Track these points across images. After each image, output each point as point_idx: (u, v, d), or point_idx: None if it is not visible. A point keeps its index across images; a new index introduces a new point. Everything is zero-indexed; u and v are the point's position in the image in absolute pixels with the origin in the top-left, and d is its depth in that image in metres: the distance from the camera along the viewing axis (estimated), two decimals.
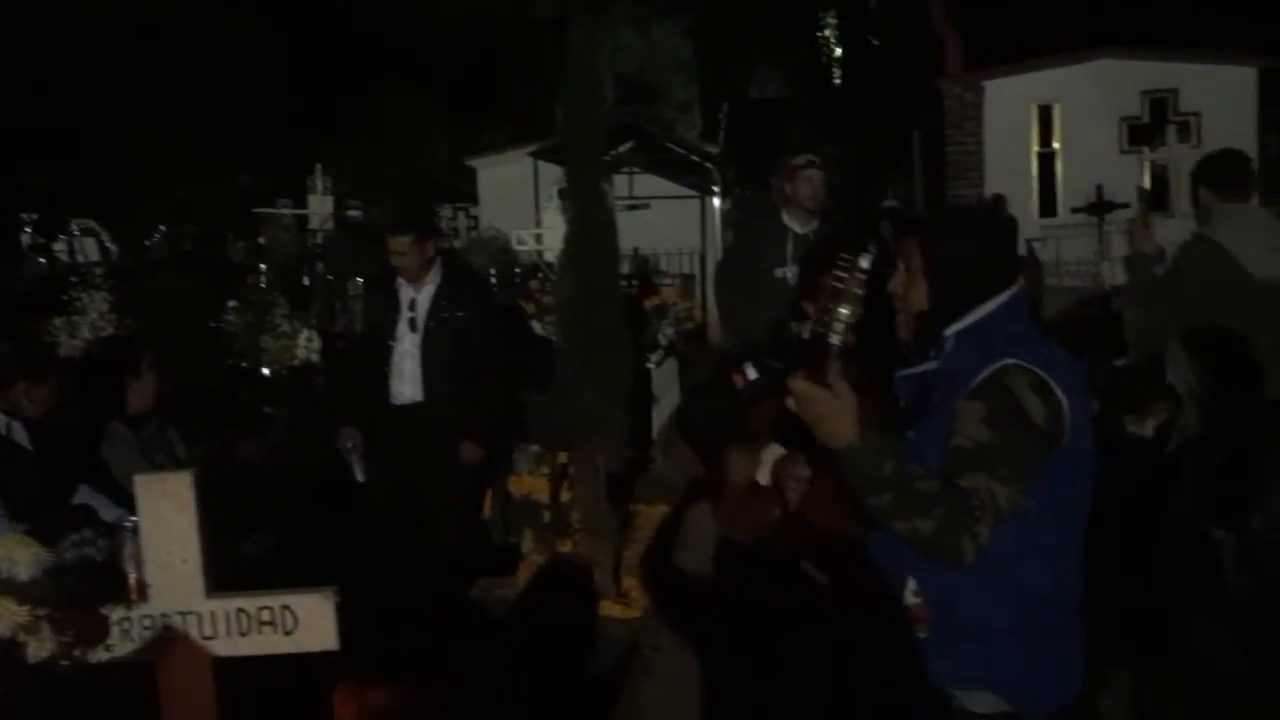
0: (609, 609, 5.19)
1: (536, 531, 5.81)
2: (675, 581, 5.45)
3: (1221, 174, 4.46)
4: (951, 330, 2.26)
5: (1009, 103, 12.61)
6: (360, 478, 4.98)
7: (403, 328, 5.12)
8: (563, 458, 5.83)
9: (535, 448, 5.95)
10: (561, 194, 5.31)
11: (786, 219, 5.28)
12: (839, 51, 22.41)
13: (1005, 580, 2.12)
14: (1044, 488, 2.12)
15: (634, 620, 5.12)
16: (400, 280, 5.15)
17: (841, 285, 2.15)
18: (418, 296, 5.14)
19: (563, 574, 5.46)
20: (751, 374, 2.53)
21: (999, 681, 2.19)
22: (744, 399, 2.84)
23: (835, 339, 2.11)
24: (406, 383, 5.11)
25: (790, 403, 2.14)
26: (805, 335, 2.18)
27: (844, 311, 2.11)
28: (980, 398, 2.13)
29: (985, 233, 2.35)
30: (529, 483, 5.88)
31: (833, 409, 2.08)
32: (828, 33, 22.42)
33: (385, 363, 5.12)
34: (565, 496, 5.87)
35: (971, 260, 2.28)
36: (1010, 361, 2.15)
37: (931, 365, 2.30)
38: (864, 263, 2.15)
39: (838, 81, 22.28)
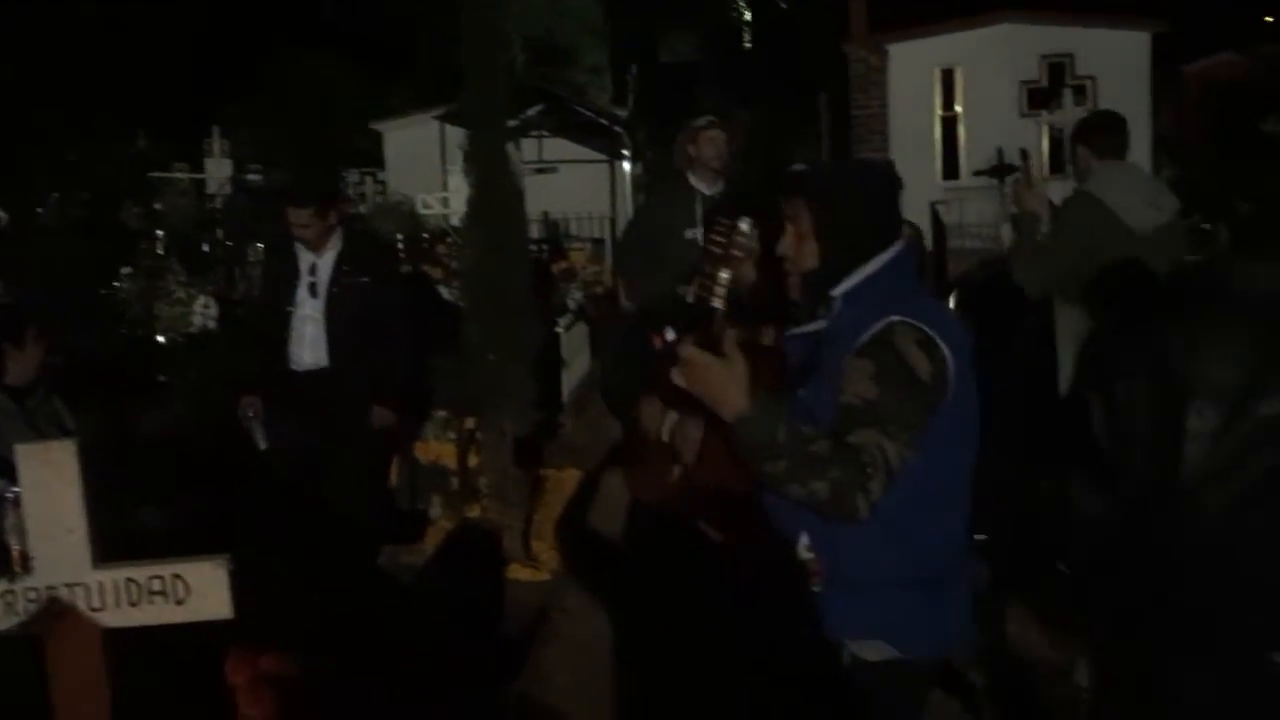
0: (518, 573, 5.21)
1: (444, 498, 5.80)
2: (586, 544, 5.49)
3: (1098, 133, 4.62)
4: (839, 290, 2.28)
5: (912, 67, 12.74)
6: (261, 445, 4.90)
7: (303, 293, 5.03)
8: (470, 423, 5.81)
9: (443, 413, 5.92)
10: (467, 158, 5.23)
11: (694, 181, 5.32)
12: (748, 15, 22.43)
13: (893, 532, 2.16)
14: (929, 442, 2.15)
15: (543, 584, 5.15)
16: (300, 245, 5.07)
17: (720, 250, 2.15)
18: (319, 261, 5.05)
19: (471, 539, 5.46)
20: (670, 336, 2.54)
21: (889, 630, 2.24)
22: (663, 361, 2.85)
23: (717, 303, 2.11)
24: (307, 348, 5.03)
25: (675, 374, 2.14)
26: (690, 300, 2.19)
27: (724, 275, 2.12)
28: (868, 355, 2.16)
29: (871, 191, 2.37)
30: (436, 449, 5.85)
31: (723, 378, 2.08)
32: None
33: (285, 329, 5.04)
34: (473, 462, 5.86)
35: (858, 219, 2.30)
36: (896, 319, 2.18)
37: (820, 325, 2.31)
38: (744, 226, 2.16)
39: (747, 45, 22.31)
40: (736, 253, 2.13)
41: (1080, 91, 12.05)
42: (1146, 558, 2.20)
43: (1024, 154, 4.78)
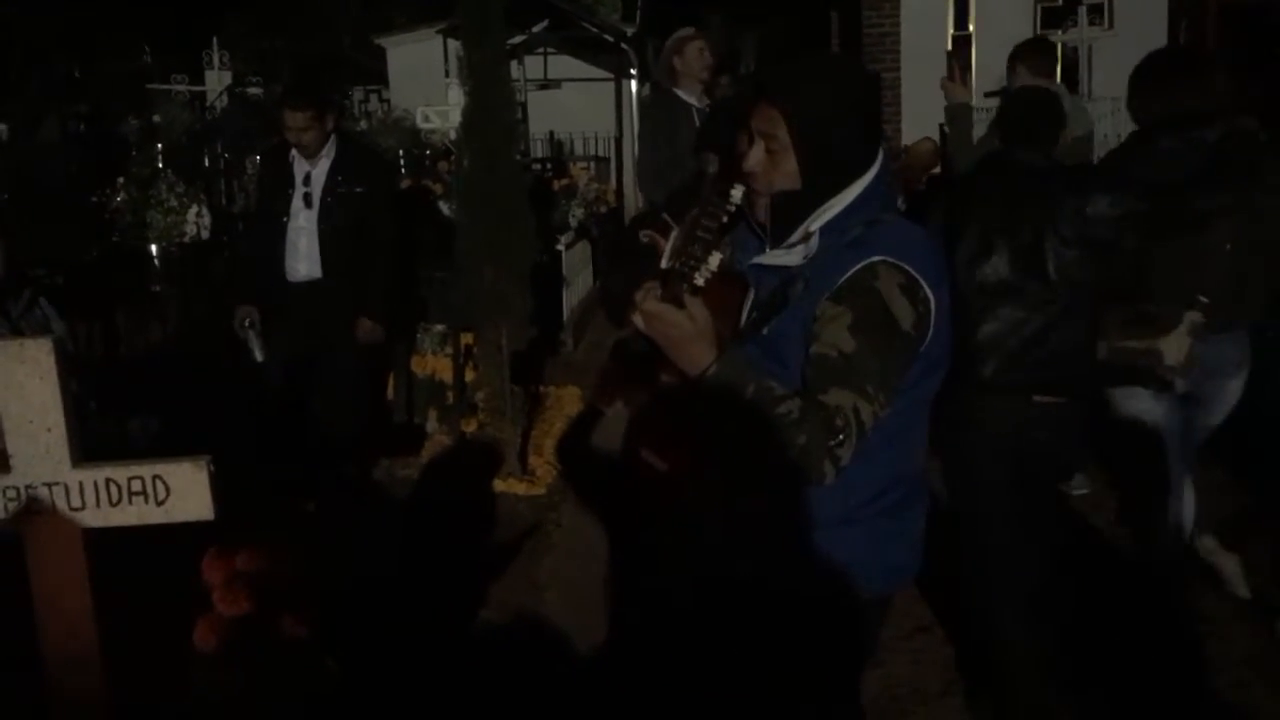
0: (514, 487, 5.21)
1: (441, 412, 5.78)
2: (583, 461, 5.50)
3: (1035, 54, 5.49)
4: (818, 224, 2.05)
5: None
6: (259, 357, 4.87)
7: (297, 203, 4.98)
8: (467, 338, 5.78)
9: (439, 328, 5.88)
10: (463, 69, 5.14)
11: (683, 95, 5.36)
12: None
13: (850, 470, 1.99)
14: (903, 385, 2.02)
15: (538, 498, 5.16)
16: (294, 154, 5.00)
17: (710, 235, 1.96)
18: (313, 171, 5.00)
19: (467, 454, 5.46)
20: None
21: (845, 566, 2.13)
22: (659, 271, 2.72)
23: (700, 281, 1.93)
24: (302, 259, 4.99)
25: (638, 320, 1.97)
26: (664, 265, 2.01)
27: (715, 259, 1.93)
28: (846, 302, 1.96)
29: (859, 99, 2.08)
30: (433, 363, 5.83)
31: (688, 333, 1.92)
32: None
33: (280, 239, 4.99)
34: (470, 377, 5.84)
35: (847, 134, 2.04)
36: (878, 259, 1.97)
37: (791, 255, 2.09)
38: (736, 196, 2.00)
39: None
40: (725, 221, 1.97)
41: (1097, 10, 11.80)
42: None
43: (950, 53, 5.02)
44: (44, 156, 7.45)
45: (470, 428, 5.68)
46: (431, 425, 5.77)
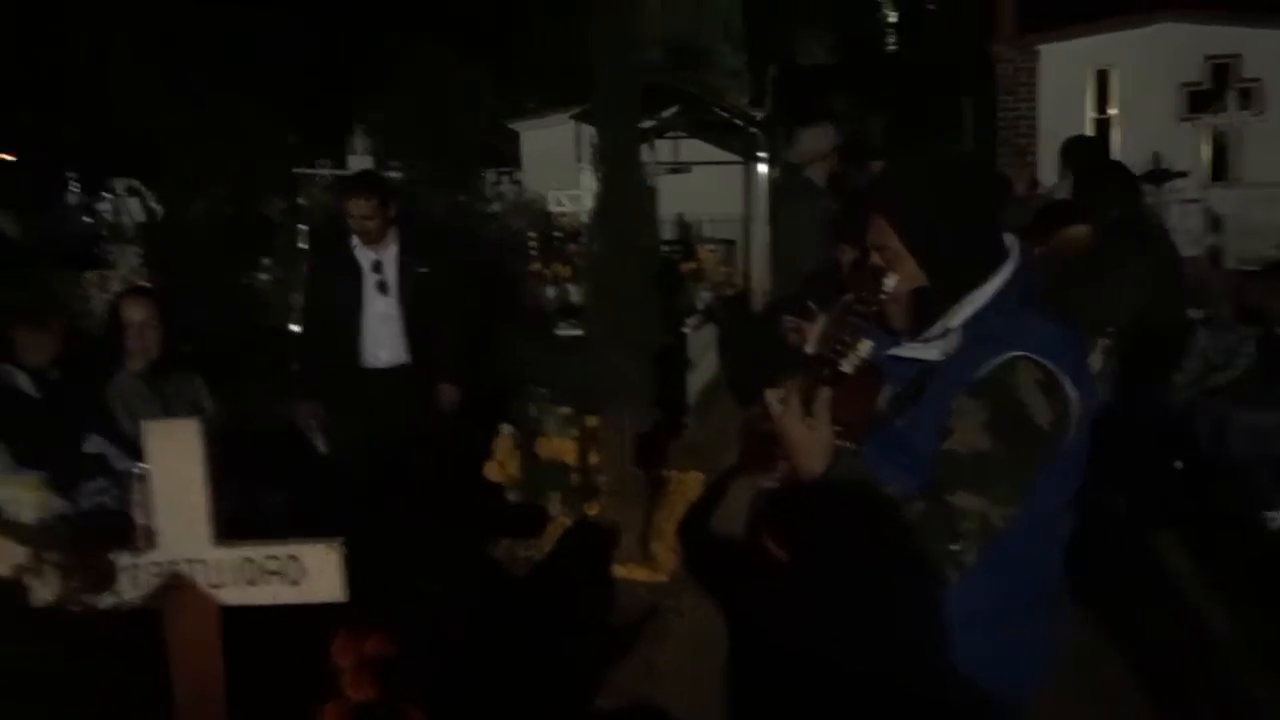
0: (635, 572, 5.17)
1: (563, 494, 5.79)
2: (705, 547, 5.42)
3: (1063, 156, 6.34)
4: (958, 320, 2.03)
5: (1064, 67, 12.22)
6: (322, 450, 4.93)
7: (369, 290, 4.99)
8: (592, 421, 5.79)
9: (565, 410, 5.91)
10: (596, 156, 5.26)
11: (817, 178, 5.42)
12: (893, 17, 21.98)
13: (976, 572, 1.93)
14: (1035, 486, 1.95)
15: (660, 584, 5.10)
16: (355, 241, 4.99)
17: (862, 323, 1.96)
18: (382, 257, 5.01)
19: (589, 537, 5.44)
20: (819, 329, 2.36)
21: (964, 669, 2.04)
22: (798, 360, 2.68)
23: (846, 368, 1.93)
24: (385, 346, 5.01)
25: (774, 408, 1.98)
26: (809, 350, 2.02)
27: (866, 345, 1.93)
28: (983, 397, 1.92)
29: (967, 193, 2.06)
30: (557, 445, 5.84)
31: (806, 441, 1.94)
32: None
33: (353, 328, 4.98)
34: (594, 460, 5.84)
35: (959, 230, 2.02)
36: (1018, 354, 1.92)
37: (930, 351, 2.07)
38: (889, 285, 2.00)
39: (891, 47, 21.87)
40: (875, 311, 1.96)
41: (1245, 94, 11.41)
42: None
43: None
44: (193, 235, 7.83)
45: (592, 510, 5.67)
46: (554, 507, 5.77)
